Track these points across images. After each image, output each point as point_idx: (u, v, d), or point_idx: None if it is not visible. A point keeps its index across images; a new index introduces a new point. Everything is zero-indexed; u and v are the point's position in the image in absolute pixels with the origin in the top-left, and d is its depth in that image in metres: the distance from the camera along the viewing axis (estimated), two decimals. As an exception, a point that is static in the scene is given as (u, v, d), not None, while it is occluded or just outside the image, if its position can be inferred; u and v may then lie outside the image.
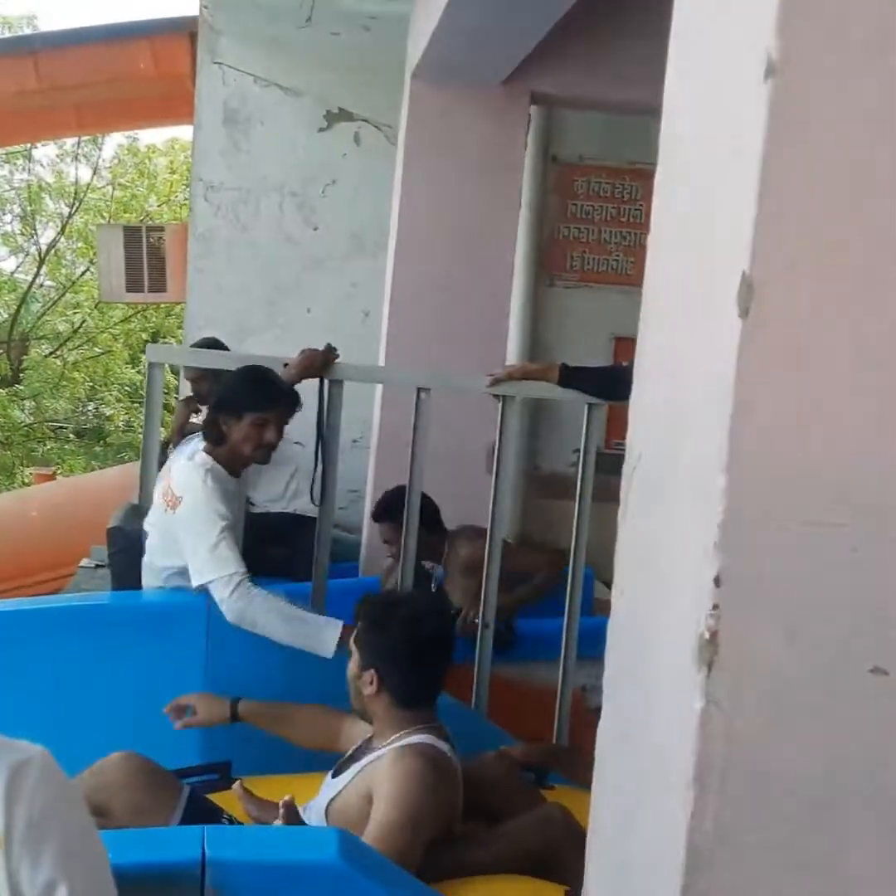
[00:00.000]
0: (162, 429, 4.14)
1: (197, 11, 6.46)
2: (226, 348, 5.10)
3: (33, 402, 17.65)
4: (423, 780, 2.43)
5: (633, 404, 1.47)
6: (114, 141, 16.83)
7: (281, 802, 2.34)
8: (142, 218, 16.46)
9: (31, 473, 15.23)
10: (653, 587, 1.36)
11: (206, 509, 3.31)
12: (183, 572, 3.37)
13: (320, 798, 2.62)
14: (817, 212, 1.14)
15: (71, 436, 18.12)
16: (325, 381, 3.95)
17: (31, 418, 17.76)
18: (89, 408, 18.34)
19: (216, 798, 2.77)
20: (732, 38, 1.23)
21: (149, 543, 3.56)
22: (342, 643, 3.12)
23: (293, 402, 3.63)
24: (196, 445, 3.59)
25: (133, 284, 7.73)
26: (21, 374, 17.70)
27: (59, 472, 14.96)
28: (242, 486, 3.93)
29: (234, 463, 3.52)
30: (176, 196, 17.27)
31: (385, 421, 5.05)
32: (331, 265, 6.37)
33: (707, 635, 1.19)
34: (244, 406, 3.49)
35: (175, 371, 6.23)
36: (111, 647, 3.28)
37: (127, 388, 17.99)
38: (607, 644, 1.49)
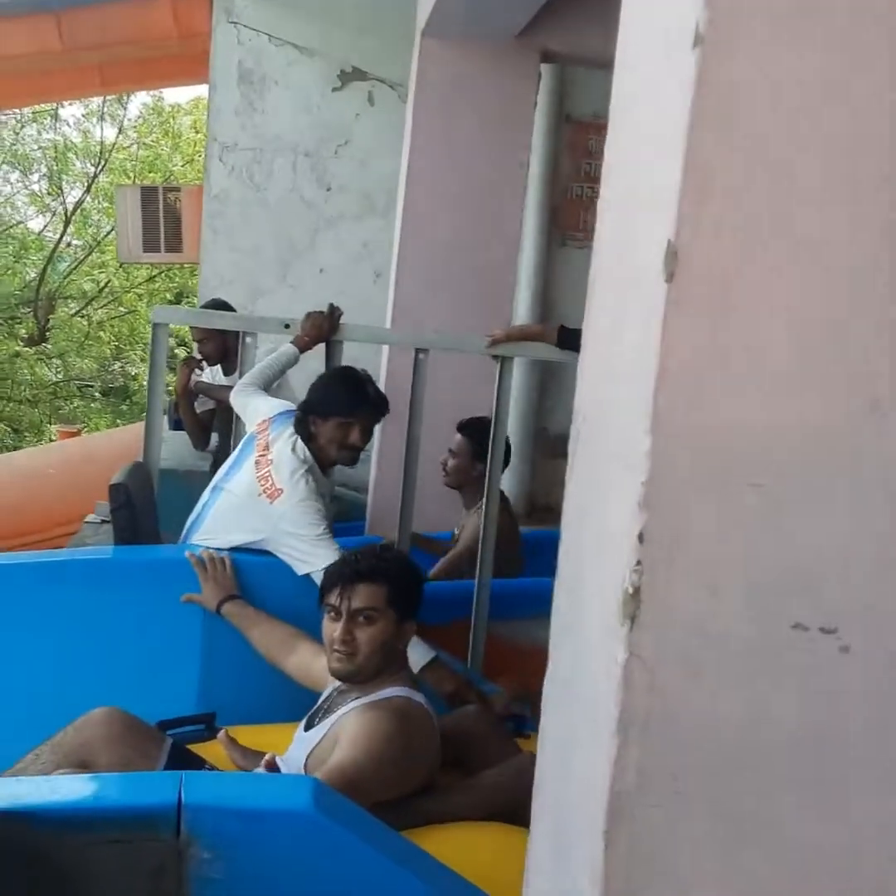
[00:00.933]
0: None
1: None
2: (233, 311, 5.15)
3: (60, 361, 17.81)
4: (390, 728, 2.49)
5: (579, 367, 1.51)
6: (139, 100, 16.88)
7: (263, 762, 2.40)
8: (166, 177, 16.51)
9: (57, 431, 15.41)
10: (589, 546, 1.40)
11: (309, 508, 3.38)
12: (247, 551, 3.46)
13: (296, 751, 2.67)
14: (741, 179, 1.17)
15: (97, 394, 18.28)
16: (328, 343, 4.01)
17: (58, 377, 17.92)
18: (115, 367, 18.49)
19: (200, 749, 2.82)
20: (666, 6, 1.25)
21: (221, 510, 3.57)
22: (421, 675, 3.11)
23: (380, 409, 3.70)
24: (294, 433, 3.60)
25: (150, 244, 7.79)
26: (48, 333, 17.85)
27: (84, 430, 15.11)
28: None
29: (323, 460, 3.58)
30: (199, 155, 17.27)
31: (390, 383, 5.08)
32: (343, 226, 6.39)
33: (631, 590, 1.23)
34: (331, 408, 3.53)
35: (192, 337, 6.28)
36: (110, 600, 3.34)
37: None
38: (554, 600, 1.53)
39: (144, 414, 3.99)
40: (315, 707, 2.77)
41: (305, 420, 3.56)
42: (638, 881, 1.26)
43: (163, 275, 17.55)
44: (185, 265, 14.51)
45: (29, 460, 8.73)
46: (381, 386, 5.35)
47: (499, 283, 5.11)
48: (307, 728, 2.70)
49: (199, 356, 5.10)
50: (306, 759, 2.60)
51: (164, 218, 7.74)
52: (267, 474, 3.51)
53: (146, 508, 3.69)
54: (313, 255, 6.43)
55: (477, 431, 4.20)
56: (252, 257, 6.46)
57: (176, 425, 5.90)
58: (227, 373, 5.08)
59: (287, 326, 4.00)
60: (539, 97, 5.63)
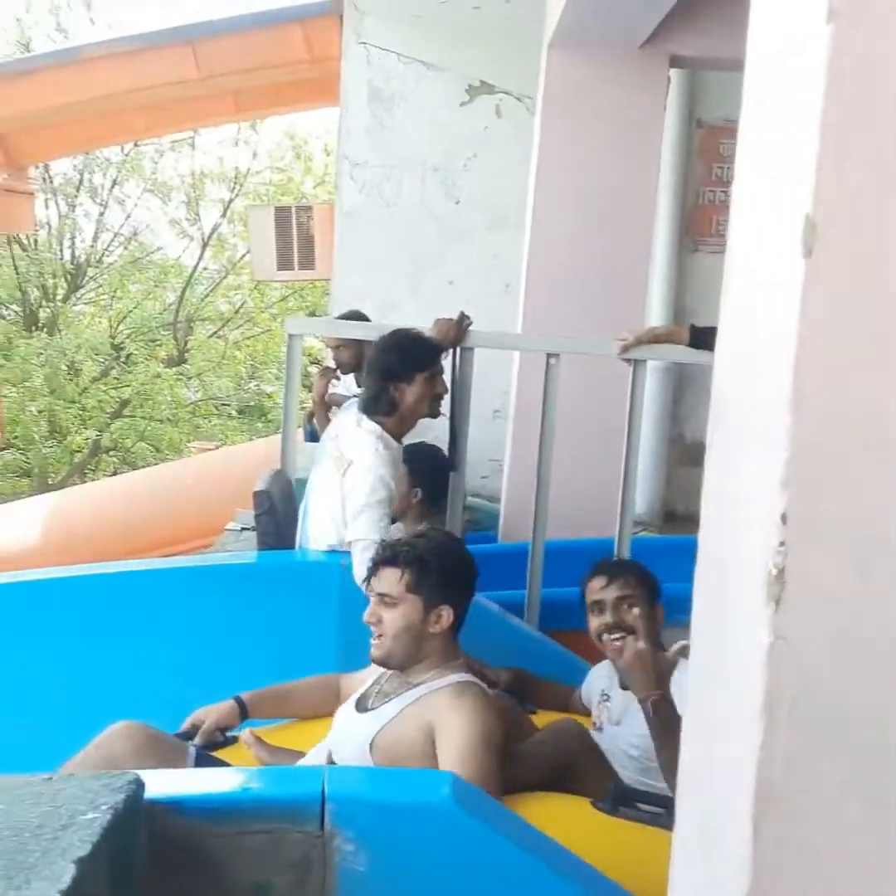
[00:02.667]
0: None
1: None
2: (367, 320, 5.23)
3: (198, 381, 18.34)
4: (489, 711, 2.54)
5: (717, 353, 1.50)
6: (272, 125, 17.28)
7: (242, 735, 2.50)
8: (299, 199, 16.86)
9: (196, 449, 15.86)
10: (730, 528, 1.39)
11: (373, 475, 3.42)
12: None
13: (351, 733, 2.68)
14: (880, 151, 1.15)
15: (233, 412, 18.75)
16: (458, 350, 4.04)
17: (197, 396, 18.45)
18: (250, 385, 18.94)
19: (225, 754, 2.85)
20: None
21: (314, 506, 3.65)
22: None
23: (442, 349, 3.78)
24: (359, 412, 3.65)
25: (284, 263, 7.97)
26: (187, 355, 18.40)
27: (221, 446, 15.51)
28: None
29: (401, 428, 3.61)
30: (329, 176, 17.62)
31: (521, 390, 5.10)
32: (472, 237, 6.43)
33: (775, 572, 1.21)
34: (412, 367, 3.57)
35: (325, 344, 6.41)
36: (249, 604, 3.43)
37: (285, 366, 18.49)
38: (695, 589, 1.52)
39: (280, 431, 4.07)
40: (364, 690, 2.79)
41: (385, 391, 3.57)
42: (787, 869, 1.24)
43: (295, 294, 17.92)
44: (318, 284, 14.79)
45: (168, 473, 9.00)
46: (512, 393, 5.39)
47: (630, 290, 5.08)
48: (360, 711, 2.72)
49: (334, 365, 5.19)
50: (372, 741, 2.62)
51: (297, 237, 7.91)
52: (339, 455, 3.56)
53: (288, 514, 3.77)
54: (443, 268, 6.49)
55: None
56: (382, 272, 6.55)
57: (311, 436, 6.00)
58: (360, 383, 5.16)
59: (421, 335, 4.04)
60: (668, 102, 5.60)
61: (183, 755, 2.77)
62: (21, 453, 17.24)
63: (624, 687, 2.94)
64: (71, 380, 17.56)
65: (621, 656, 2.87)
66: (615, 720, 2.96)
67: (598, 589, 3.04)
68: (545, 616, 3.99)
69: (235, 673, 3.39)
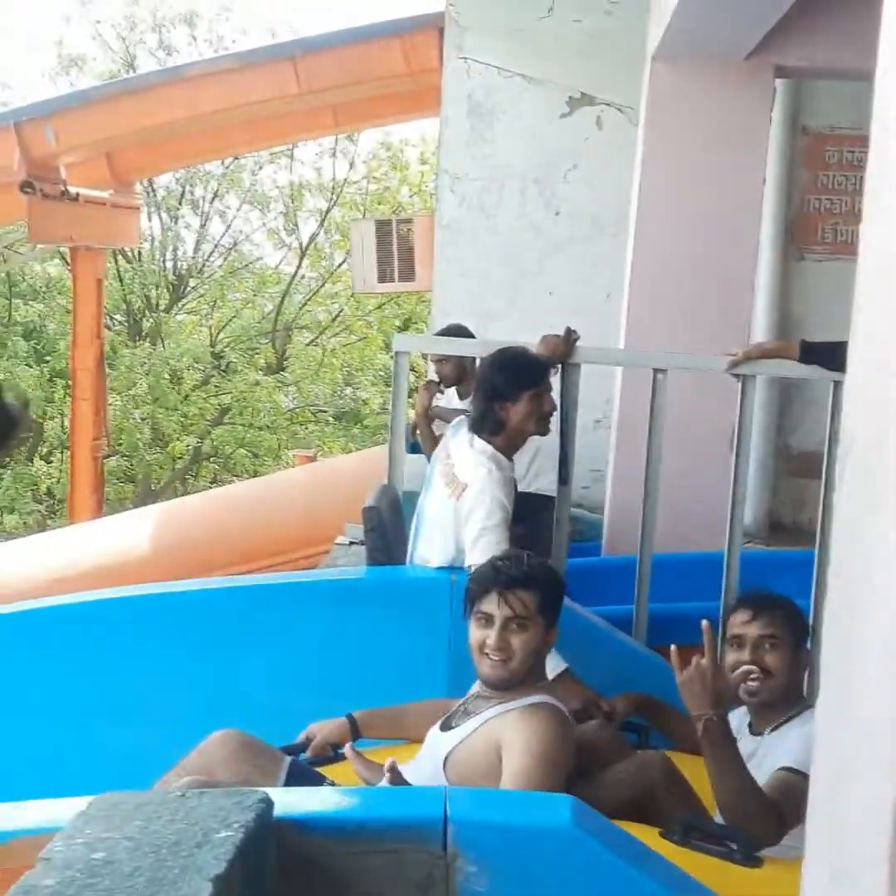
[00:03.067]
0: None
1: (444, 8, 6.67)
2: (471, 335, 5.27)
3: (296, 388, 18.59)
4: (557, 733, 2.55)
5: (847, 387, 1.49)
6: (368, 136, 17.47)
7: (386, 764, 2.45)
8: (394, 209, 17.02)
9: (294, 455, 16.07)
10: (863, 564, 1.38)
11: (490, 498, 3.40)
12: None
13: (432, 750, 2.71)
14: None
15: (330, 419, 18.97)
16: (565, 365, 4.05)
17: (294, 403, 18.72)
18: (347, 392, 19.14)
19: (331, 771, 2.88)
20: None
21: (427, 526, 3.66)
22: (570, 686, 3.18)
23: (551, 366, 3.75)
24: (470, 432, 3.63)
25: (384, 275, 8.05)
26: (285, 362, 18.68)
27: (319, 453, 15.70)
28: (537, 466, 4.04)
29: (511, 446, 3.59)
30: (426, 186, 17.75)
31: (624, 401, 5.09)
32: (572, 248, 6.44)
33: (912, 611, 1.21)
34: (519, 385, 3.55)
35: (424, 355, 6.47)
36: (358, 620, 3.48)
37: (381, 372, 18.68)
38: (824, 624, 1.52)
39: (381, 436, 4.14)
40: (452, 710, 2.80)
41: (491, 410, 3.54)
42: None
43: (392, 302, 18.07)
44: (413, 293, 14.90)
45: (273, 484, 9.14)
46: (615, 404, 5.38)
47: (736, 299, 5.04)
48: (444, 729, 2.75)
49: (436, 378, 5.24)
50: (446, 757, 2.64)
51: (397, 249, 7.99)
52: (452, 477, 3.56)
53: (396, 530, 3.82)
54: (543, 279, 6.50)
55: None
56: (482, 283, 6.59)
57: (412, 449, 6.06)
58: (462, 396, 5.20)
59: (525, 351, 4.06)
60: (773, 110, 5.54)
61: (278, 764, 2.81)
62: (125, 460, 17.66)
63: (754, 732, 2.87)
64: (173, 388, 17.95)
65: (752, 698, 2.82)
66: None
67: (740, 623, 2.90)
68: (652, 631, 3.97)
69: (344, 689, 3.44)
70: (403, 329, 18.02)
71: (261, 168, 18.25)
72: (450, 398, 5.31)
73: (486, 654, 2.69)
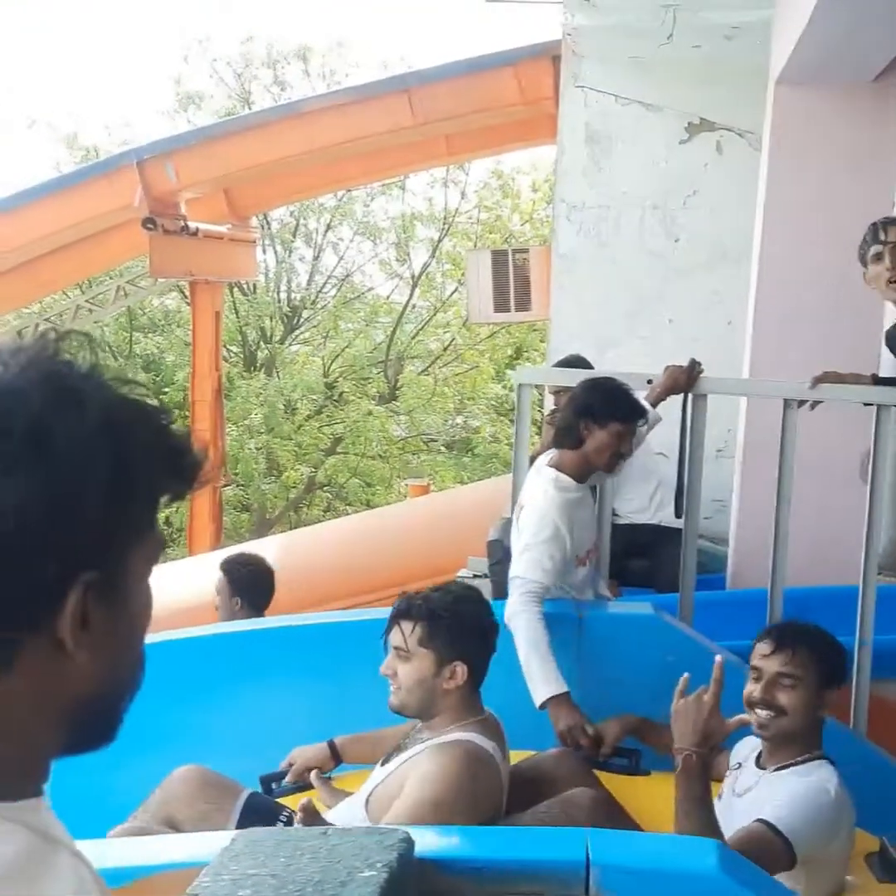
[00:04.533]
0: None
1: (559, 36, 6.68)
2: (589, 366, 5.23)
3: (408, 417, 18.73)
4: (454, 774, 2.51)
5: None
6: (479, 165, 17.58)
7: (299, 804, 2.46)
8: (506, 238, 17.08)
9: (406, 484, 16.18)
10: None
11: (539, 515, 3.44)
12: None
13: (366, 786, 2.70)
14: None
15: (441, 448, 19.06)
16: (690, 395, 3.99)
17: (406, 432, 18.85)
18: (458, 421, 19.22)
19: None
20: None
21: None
22: (544, 706, 3.18)
23: (642, 420, 3.72)
24: (543, 460, 3.69)
25: (500, 304, 8.06)
26: (397, 391, 18.83)
27: (431, 483, 15.77)
28: (606, 493, 4.02)
29: (582, 468, 3.57)
30: (537, 214, 17.77)
31: (750, 431, 4.99)
32: (692, 275, 6.35)
33: None
34: (609, 414, 3.54)
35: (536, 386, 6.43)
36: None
37: (492, 401, 18.71)
38: None
39: (493, 465, 4.13)
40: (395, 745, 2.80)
41: (577, 425, 3.53)
42: None
43: (503, 331, 18.11)
44: (527, 322, 14.90)
45: (389, 516, 9.18)
46: (739, 434, 5.28)
47: (865, 325, 4.90)
48: (383, 763, 2.74)
49: (557, 410, 5.21)
50: (369, 794, 2.64)
51: (513, 278, 8.00)
52: (519, 502, 3.61)
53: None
54: (662, 306, 6.43)
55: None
56: (600, 311, 6.54)
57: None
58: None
59: (650, 382, 4.02)
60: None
61: (235, 797, 2.85)
62: (241, 489, 17.96)
63: (760, 766, 2.76)
64: (287, 418, 18.23)
65: (762, 731, 2.71)
66: (739, 792, 2.77)
67: (760, 655, 2.78)
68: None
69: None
70: (515, 358, 18.07)
71: (373, 199, 18.50)
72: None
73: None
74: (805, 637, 2.79)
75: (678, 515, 4.08)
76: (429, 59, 11.02)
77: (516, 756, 2.94)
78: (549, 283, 6.87)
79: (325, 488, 18.87)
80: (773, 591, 3.91)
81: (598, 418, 3.52)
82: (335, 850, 1.94)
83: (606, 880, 1.98)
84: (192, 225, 10.69)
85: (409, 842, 1.96)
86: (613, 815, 2.74)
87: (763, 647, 2.79)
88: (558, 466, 3.55)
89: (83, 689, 0.81)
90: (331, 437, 18.46)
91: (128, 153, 10.52)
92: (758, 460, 4.83)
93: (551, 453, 3.66)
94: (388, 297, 19.80)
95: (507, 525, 3.91)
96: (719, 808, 2.71)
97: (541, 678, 3.22)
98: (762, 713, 2.71)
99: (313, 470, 18.18)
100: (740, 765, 2.86)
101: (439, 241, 18.50)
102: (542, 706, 3.19)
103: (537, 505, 3.46)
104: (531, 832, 2.41)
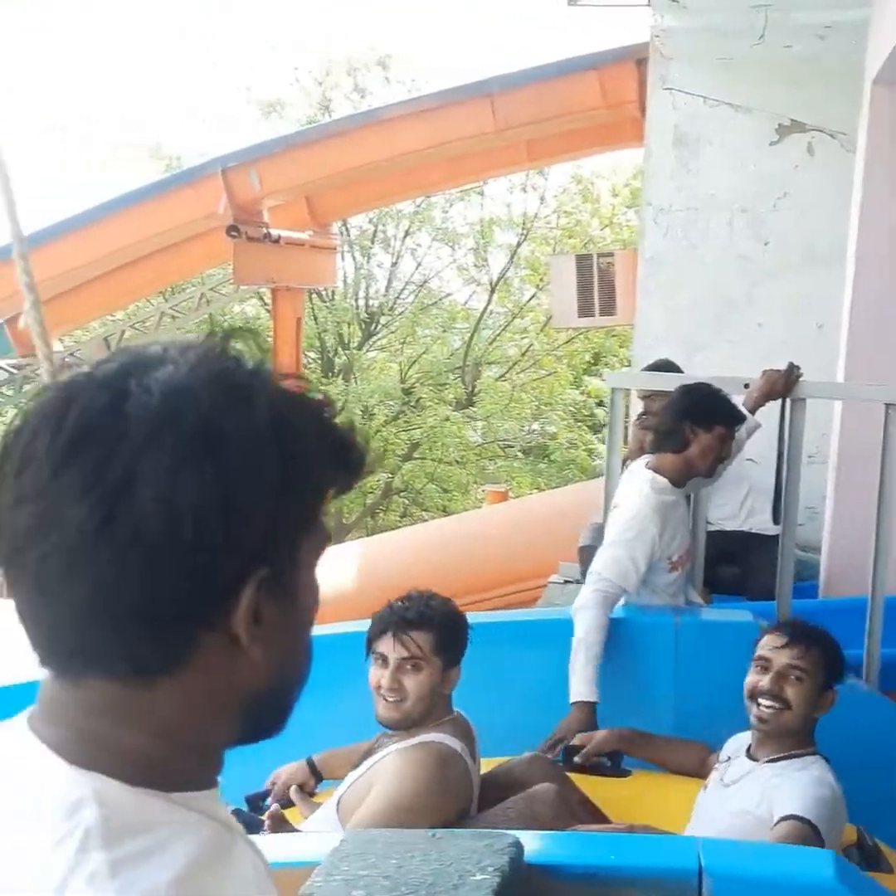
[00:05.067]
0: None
1: (641, 39, 6.65)
2: (679, 370, 5.18)
3: (484, 423, 18.71)
4: (423, 775, 2.51)
5: None
6: (559, 170, 17.51)
7: (267, 812, 2.54)
8: (585, 242, 17.00)
9: (483, 490, 16.16)
10: None
11: (631, 517, 3.44)
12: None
13: (337, 791, 2.69)
14: None
15: (518, 454, 19.02)
16: (787, 401, 3.93)
17: (483, 438, 18.84)
18: (534, 427, 19.16)
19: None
20: None
21: None
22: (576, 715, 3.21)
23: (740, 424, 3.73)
24: (641, 462, 3.69)
25: (584, 309, 8.02)
26: (474, 397, 18.83)
27: (509, 489, 15.75)
28: (701, 499, 3.98)
29: (682, 472, 3.57)
30: (617, 218, 17.67)
31: (845, 436, 4.90)
32: (782, 278, 6.26)
33: None
34: (716, 417, 3.55)
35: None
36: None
37: (570, 407, 18.62)
38: None
39: (570, 472, 4.11)
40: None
41: (680, 429, 3.52)
42: None
43: (581, 337, 18.03)
44: (603, 327, 14.83)
45: (468, 522, 9.17)
46: (833, 439, 5.19)
47: (965, 329, 4.80)
48: (354, 767, 2.73)
49: (646, 414, 5.16)
50: (339, 798, 2.63)
51: (598, 283, 7.95)
52: (615, 501, 3.62)
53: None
54: (751, 310, 6.34)
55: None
56: (687, 315, 6.47)
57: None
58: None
59: (747, 386, 3.97)
60: None
61: None
62: (318, 494, 18.02)
63: (751, 757, 2.79)
64: (365, 423, 18.31)
65: (763, 724, 2.75)
66: (728, 783, 2.79)
67: (771, 646, 2.82)
68: (885, 677, 3.80)
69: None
70: (593, 364, 17.98)
71: (452, 205, 18.52)
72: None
73: (382, 695, 2.66)
74: (817, 636, 2.85)
75: (776, 522, 4.02)
76: (506, 66, 10.95)
77: (491, 763, 2.94)
78: (634, 287, 6.81)
79: (401, 494, 18.92)
80: (873, 599, 3.84)
81: (703, 422, 3.52)
82: (445, 852, 1.93)
83: (720, 889, 1.95)
84: (275, 232, 10.77)
85: (518, 846, 1.95)
86: (578, 812, 2.75)
87: (776, 639, 2.83)
88: (657, 469, 3.54)
89: (256, 683, 0.82)
90: (408, 442, 18.50)
91: (212, 162, 10.62)
92: (853, 467, 4.75)
93: (648, 457, 3.64)
94: (465, 303, 19.81)
95: (598, 530, 3.88)
96: (701, 799, 2.81)
97: (580, 678, 3.27)
98: (765, 705, 2.75)
99: (390, 475, 18.23)
100: (730, 759, 2.88)
101: (518, 246, 18.46)
102: (573, 704, 3.25)
103: (631, 504, 3.46)
104: (641, 839, 2.38)
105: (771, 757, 2.75)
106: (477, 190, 17.81)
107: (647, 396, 5.17)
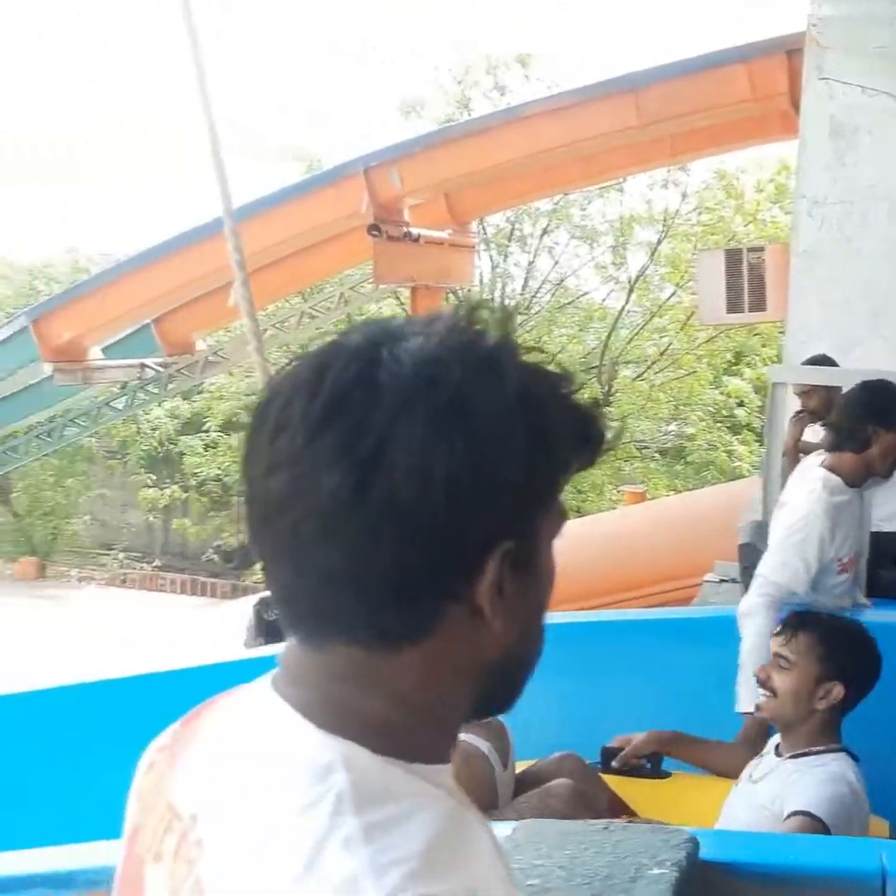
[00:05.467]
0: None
1: (795, 29, 6.49)
2: (835, 366, 5.04)
3: (620, 423, 18.54)
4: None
5: None
6: (700, 165, 17.23)
7: None
8: (729, 239, 16.69)
9: (620, 491, 16.01)
10: None
11: (800, 518, 3.34)
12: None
13: None
14: None
15: (655, 455, 18.78)
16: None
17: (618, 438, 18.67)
18: (671, 428, 18.90)
19: None
20: None
21: None
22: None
23: None
24: (813, 460, 3.58)
25: (733, 305, 7.88)
26: (611, 397, 18.67)
27: (647, 490, 15.57)
28: (866, 499, 3.87)
29: (860, 473, 3.45)
30: (762, 214, 17.30)
31: None
32: (944, 273, 6.06)
33: None
34: None
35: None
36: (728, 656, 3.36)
37: (709, 408, 18.31)
38: None
39: (708, 473, 4.03)
40: None
41: (862, 429, 3.39)
42: None
43: (722, 335, 17.70)
44: (759, 323, 14.50)
45: (614, 521, 9.12)
46: None
47: None
48: None
49: (802, 411, 5.04)
50: None
51: (747, 278, 7.81)
52: (782, 499, 3.53)
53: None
54: (910, 305, 6.15)
55: None
56: (841, 310, 6.31)
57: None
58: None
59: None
60: None
61: None
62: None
63: (778, 753, 2.73)
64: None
65: (759, 711, 2.77)
66: (756, 779, 2.73)
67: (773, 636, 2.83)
68: None
69: (714, 722, 3.35)
70: (734, 363, 17.65)
71: (590, 202, 18.37)
72: (817, 432, 5.09)
73: None
74: (814, 625, 2.76)
75: None
76: (647, 61, 10.81)
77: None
78: (786, 282, 6.67)
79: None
80: None
81: (887, 421, 3.39)
82: (620, 845, 1.91)
83: (908, 894, 1.89)
84: (415, 231, 10.84)
85: (694, 842, 1.92)
86: (600, 810, 2.72)
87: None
88: (833, 468, 3.43)
89: (494, 656, 0.81)
90: (546, 441, 18.43)
91: (355, 161, 10.75)
92: None
93: (823, 454, 3.54)
94: (603, 302, 19.65)
95: (758, 528, 3.80)
96: (732, 796, 2.78)
97: (748, 688, 3.16)
98: (761, 693, 2.76)
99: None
100: (762, 755, 2.84)
101: (658, 243, 18.21)
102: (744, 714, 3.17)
103: (800, 504, 3.37)
104: (819, 839, 2.32)
105: (793, 752, 2.71)
106: (617, 187, 17.63)
107: (804, 392, 5.05)
